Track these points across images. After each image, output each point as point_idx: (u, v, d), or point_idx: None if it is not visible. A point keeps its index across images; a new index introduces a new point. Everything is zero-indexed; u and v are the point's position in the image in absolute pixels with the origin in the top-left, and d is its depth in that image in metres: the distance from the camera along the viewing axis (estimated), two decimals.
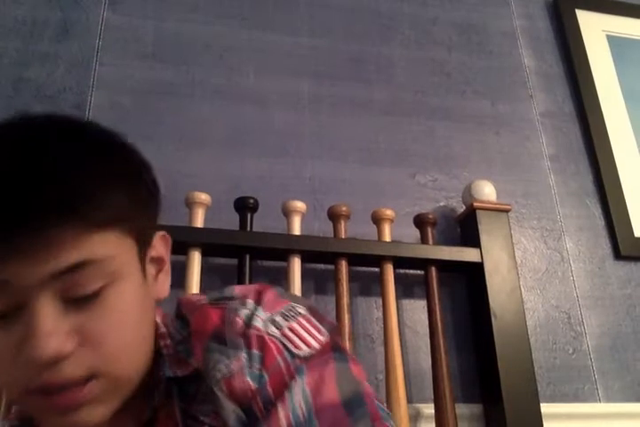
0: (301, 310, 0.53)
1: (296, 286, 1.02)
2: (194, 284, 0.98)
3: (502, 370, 1.03)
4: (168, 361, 0.51)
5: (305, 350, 0.49)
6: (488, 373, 1.08)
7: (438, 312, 1.08)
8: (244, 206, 1.07)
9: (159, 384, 0.51)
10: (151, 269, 0.52)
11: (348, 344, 0.99)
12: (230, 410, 0.47)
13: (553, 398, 1.14)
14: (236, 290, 0.54)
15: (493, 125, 1.41)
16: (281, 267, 1.08)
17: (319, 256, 1.08)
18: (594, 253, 1.32)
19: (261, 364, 0.48)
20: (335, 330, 0.53)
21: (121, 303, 0.45)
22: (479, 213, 1.15)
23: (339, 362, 0.49)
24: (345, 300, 1.04)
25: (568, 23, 1.58)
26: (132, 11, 1.30)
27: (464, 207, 1.21)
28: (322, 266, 1.14)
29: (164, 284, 0.54)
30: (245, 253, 1.03)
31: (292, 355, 0.48)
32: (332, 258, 1.07)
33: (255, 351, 0.48)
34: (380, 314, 1.12)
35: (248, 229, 1.05)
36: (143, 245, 0.49)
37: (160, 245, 0.54)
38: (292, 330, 0.50)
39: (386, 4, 1.49)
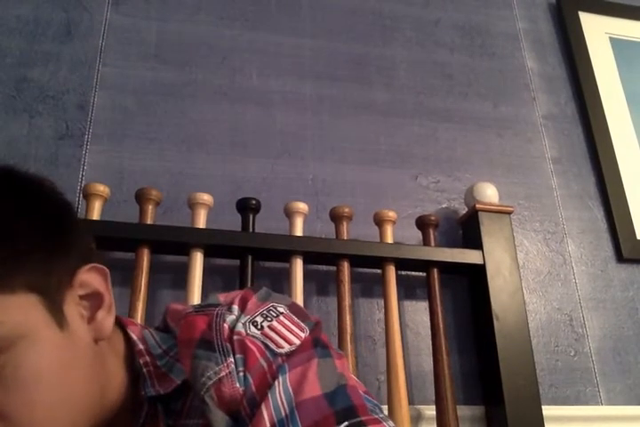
0: (282, 309, 0.53)
1: (298, 288, 1.02)
2: (196, 285, 0.98)
3: (504, 372, 1.03)
4: (149, 379, 0.50)
5: (286, 347, 0.49)
6: (490, 375, 1.08)
7: (440, 314, 1.08)
8: (247, 207, 1.07)
9: (142, 405, 0.50)
10: (81, 311, 0.48)
11: (349, 346, 0.99)
12: (220, 418, 0.46)
13: (555, 401, 1.14)
14: (221, 297, 0.54)
15: (496, 128, 1.41)
16: (283, 268, 1.08)
17: (321, 257, 1.08)
18: (596, 256, 1.32)
19: (244, 366, 0.48)
20: (318, 326, 0.53)
21: (27, 368, 0.41)
22: (481, 215, 1.15)
23: (321, 357, 0.49)
24: (347, 301, 1.04)
25: (571, 25, 1.58)
26: (135, 12, 1.30)
27: (466, 209, 1.21)
28: (324, 267, 1.14)
29: (103, 321, 0.48)
30: (247, 255, 1.03)
31: (274, 353, 0.48)
32: (334, 259, 1.07)
33: (239, 355, 0.48)
34: (382, 315, 1.12)
35: (250, 230, 1.06)
36: (52, 292, 0.45)
37: (92, 280, 0.49)
38: (272, 329, 0.50)
39: (388, 5, 1.49)
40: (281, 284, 1.10)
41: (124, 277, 1.03)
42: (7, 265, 0.42)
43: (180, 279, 1.03)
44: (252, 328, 0.50)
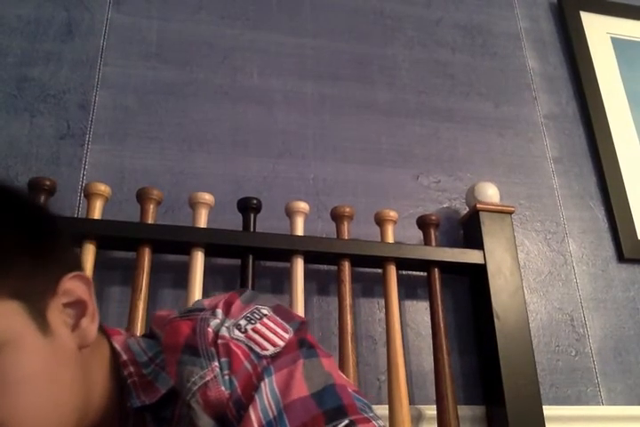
0: (266, 311, 0.53)
1: (299, 287, 1.02)
2: (197, 284, 0.98)
3: (505, 372, 1.03)
4: (134, 390, 0.51)
5: (270, 349, 0.49)
6: (490, 374, 1.08)
7: (441, 314, 1.08)
8: (248, 207, 1.07)
9: (128, 416, 0.50)
10: (65, 318, 0.48)
11: (350, 345, 0.99)
12: (206, 423, 0.47)
13: (555, 401, 1.14)
14: (206, 302, 0.54)
15: (497, 127, 1.40)
16: (284, 268, 1.08)
17: (322, 257, 1.08)
18: (597, 256, 1.32)
19: (229, 369, 0.48)
20: (303, 326, 0.53)
21: (11, 375, 0.42)
22: (482, 215, 1.15)
23: (307, 357, 0.49)
24: (347, 301, 1.04)
25: (572, 25, 1.58)
26: (136, 11, 1.30)
27: (467, 209, 1.21)
28: (325, 267, 1.14)
29: (88, 329, 0.49)
30: (248, 254, 1.03)
31: (259, 356, 0.48)
32: (335, 259, 1.07)
33: (223, 359, 0.48)
34: (383, 315, 1.12)
35: (251, 229, 1.05)
36: (35, 299, 0.45)
37: (76, 288, 0.49)
38: (256, 332, 0.50)
39: (390, 5, 1.49)
40: (282, 283, 1.10)
41: (124, 276, 1.03)
42: None
43: (181, 279, 1.03)
44: (236, 332, 0.50)
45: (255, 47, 1.34)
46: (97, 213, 1.00)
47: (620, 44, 1.60)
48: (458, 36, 1.50)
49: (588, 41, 1.57)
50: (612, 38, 1.60)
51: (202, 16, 1.34)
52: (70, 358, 0.47)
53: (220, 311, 0.52)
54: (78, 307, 0.49)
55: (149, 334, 0.57)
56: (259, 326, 0.51)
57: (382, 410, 0.99)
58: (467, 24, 1.53)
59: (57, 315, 0.47)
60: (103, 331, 0.55)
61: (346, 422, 0.45)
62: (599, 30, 1.60)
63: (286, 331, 0.51)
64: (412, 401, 1.04)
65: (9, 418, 0.41)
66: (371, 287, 1.16)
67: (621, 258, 1.32)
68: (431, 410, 1.04)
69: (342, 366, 0.97)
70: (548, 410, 1.03)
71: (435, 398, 1.02)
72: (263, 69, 1.32)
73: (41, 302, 0.46)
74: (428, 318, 1.11)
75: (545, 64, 1.53)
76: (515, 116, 1.43)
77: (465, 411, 1.06)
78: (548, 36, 1.58)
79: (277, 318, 0.52)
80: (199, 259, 1.01)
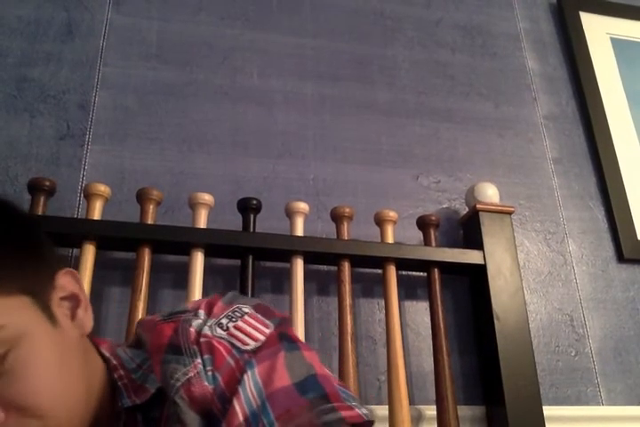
0: (247, 309, 0.55)
1: (299, 288, 1.02)
2: (196, 285, 0.98)
3: (504, 372, 1.03)
4: (125, 391, 0.53)
5: (251, 344, 0.51)
6: (490, 375, 1.08)
7: (441, 314, 1.08)
8: (248, 207, 1.07)
9: (120, 415, 0.52)
10: (64, 310, 0.52)
11: (350, 345, 0.99)
12: (192, 418, 0.48)
13: (555, 401, 1.14)
14: (189, 305, 0.56)
15: (497, 128, 1.41)
16: (284, 268, 1.08)
17: (322, 257, 1.08)
18: (597, 256, 1.32)
19: (212, 365, 0.49)
20: (284, 322, 0.55)
21: (32, 362, 0.45)
22: (482, 215, 1.15)
23: (288, 350, 0.51)
24: (347, 301, 1.04)
25: (572, 26, 1.58)
26: (136, 11, 1.30)
27: (467, 209, 1.21)
28: (325, 267, 1.14)
29: (84, 318, 0.53)
30: (248, 254, 1.03)
31: (240, 351, 0.50)
32: (335, 259, 1.07)
33: (206, 356, 0.50)
34: (383, 315, 1.12)
35: (251, 230, 1.06)
36: (41, 294, 0.49)
37: (67, 283, 0.53)
38: (237, 329, 0.52)
39: (390, 5, 1.49)
40: (281, 284, 1.10)
41: (124, 276, 1.03)
42: (4, 272, 0.46)
43: (181, 279, 1.03)
44: (218, 330, 0.52)
45: (255, 47, 1.34)
46: (97, 214, 1.00)
47: (619, 45, 1.60)
48: (458, 36, 1.50)
49: (587, 41, 1.57)
50: (611, 38, 1.60)
51: (202, 17, 1.34)
52: (76, 346, 0.51)
53: (202, 312, 0.54)
54: (72, 299, 0.53)
55: (135, 343, 0.59)
56: (240, 323, 0.52)
57: (382, 410, 0.99)
58: (466, 24, 1.53)
59: (58, 308, 0.51)
60: (91, 340, 0.57)
61: (329, 409, 0.46)
62: (598, 30, 1.60)
63: (267, 327, 0.53)
64: (411, 402, 1.04)
65: (30, 405, 0.45)
66: (371, 288, 1.16)
67: (621, 258, 1.32)
68: (431, 410, 1.04)
69: (342, 366, 0.97)
70: (547, 410, 1.03)
71: (435, 398, 1.02)
72: (263, 70, 1.32)
73: (46, 296, 0.50)
74: (427, 319, 1.11)
75: (544, 64, 1.53)
76: (514, 116, 1.43)
77: (465, 411, 1.06)
78: (547, 36, 1.58)
79: (258, 316, 0.54)
80: (199, 259, 1.01)
